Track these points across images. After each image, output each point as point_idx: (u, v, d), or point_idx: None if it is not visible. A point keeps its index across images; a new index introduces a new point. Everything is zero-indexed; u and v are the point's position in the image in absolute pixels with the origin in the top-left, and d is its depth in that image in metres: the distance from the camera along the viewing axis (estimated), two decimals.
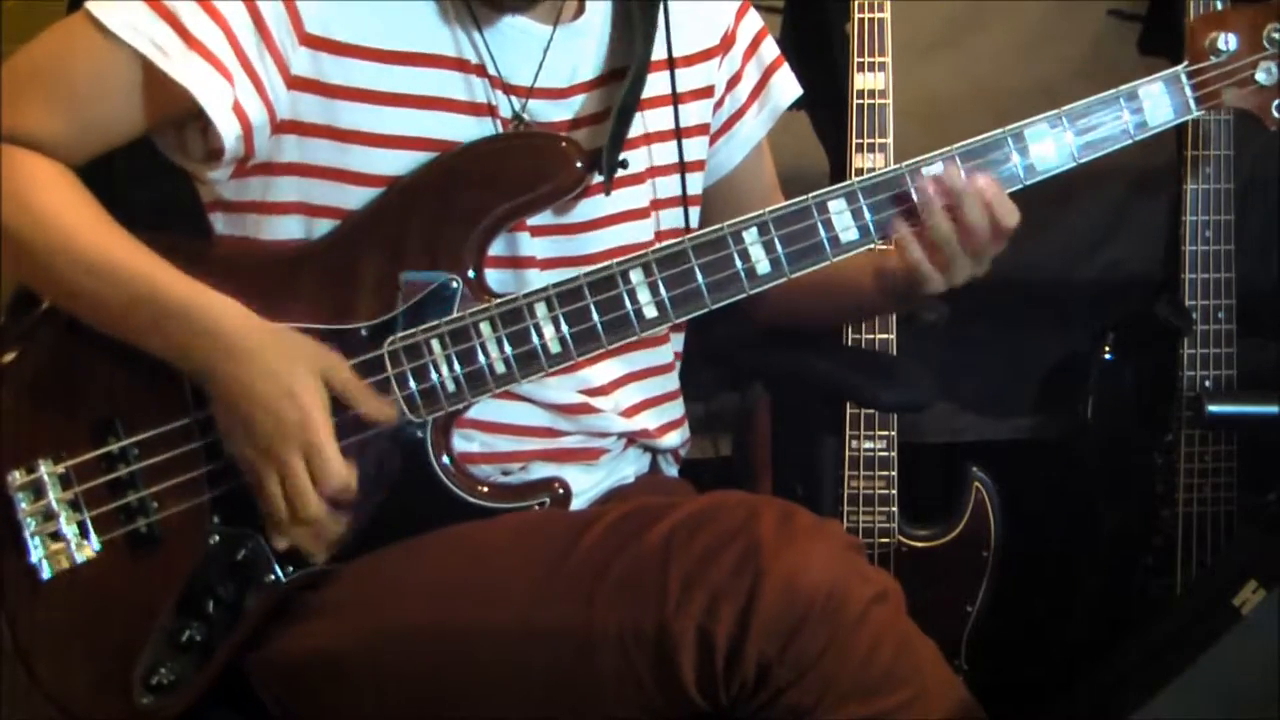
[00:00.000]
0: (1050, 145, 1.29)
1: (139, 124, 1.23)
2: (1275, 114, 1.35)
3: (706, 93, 1.43)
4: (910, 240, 1.27)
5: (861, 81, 1.84)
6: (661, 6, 1.33)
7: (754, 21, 1.47)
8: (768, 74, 1.47)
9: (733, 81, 1.46)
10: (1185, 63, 1.33)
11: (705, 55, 1.42)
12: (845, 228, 1.27)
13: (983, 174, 1.26)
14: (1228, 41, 1.33)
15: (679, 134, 1.38)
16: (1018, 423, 2.24)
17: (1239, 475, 1.97)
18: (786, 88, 1.49)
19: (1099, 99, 1.30)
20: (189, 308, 1.18)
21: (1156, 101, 1.32)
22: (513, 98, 1.28)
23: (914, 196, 1.26)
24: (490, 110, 1.27)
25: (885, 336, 1.85)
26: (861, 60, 1.84)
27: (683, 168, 1.39)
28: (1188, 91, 1.33)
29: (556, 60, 1.30)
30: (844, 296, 1.48)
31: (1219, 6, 1.84)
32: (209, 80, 1.18)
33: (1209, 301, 1.94)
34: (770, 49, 1.48)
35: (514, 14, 1.27)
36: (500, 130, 1.28)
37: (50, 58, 1.22)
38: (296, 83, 1.22)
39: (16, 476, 1.23)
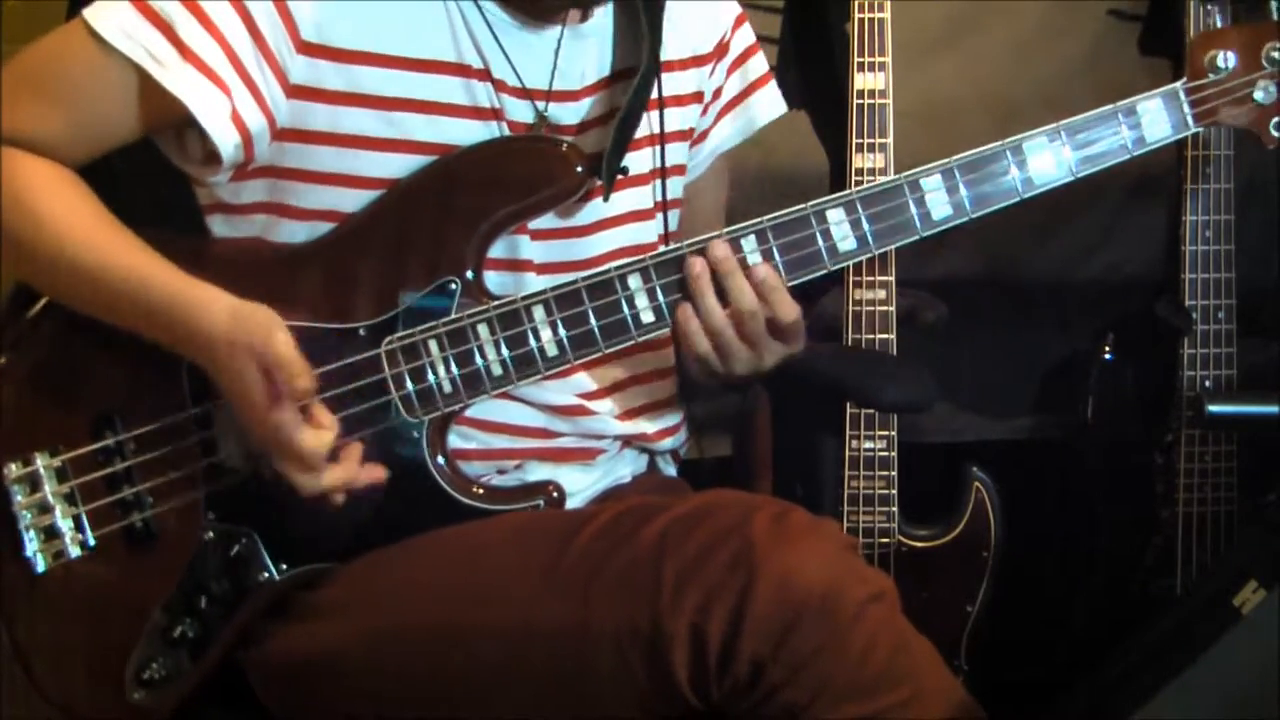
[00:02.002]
0: (1049, 159, 1.30)
1: (135, 129, 1.23)
2: (1273, 132, 1.36)
3: (696, 98, 1.43)
4: (687, 320, 1.24)
5: (861, 81, 1.84)
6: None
7: (747, 35, 1.47)
8: (750, 89, 1.48)
9: (717, 91, 1.46)
10: (1184, 79, 1.34)
11: (698, 61, 1.42)
12: (843, 237, 1.27)
13: (765, 265, 1.24)
14: (1226, 59, 1.34)
15: (663, 139, 1.37)
16: (1018, 423, 2.24)
17: (1239, 475, 1.97)
18: (767, 105, 1.49)
19: (1097, 114, 1.31)
20: (174, 303, 1.18)
21: (1155, 117, 1.32)
22: (534, 102, 1.28)
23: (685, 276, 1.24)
24: (495, 114, 1.28)
25: (885, 336, 1.85)
26: (861, 60, 1.84)
27: (663, 173, 1.39)
28: (1185, 108, 1.33)
29: (567, 63, 1.30)
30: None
31: (1218, 9, 1.84)
32: (204, 92, 1.18)
33: (1209, 301, 1.94)
34: (758, 65, 1.48)
35: (546, 22, 1.27)
36: (507, 134, 1.28)
37: (48, 61, 1.23)
38: (296, 91, 1.22)
39: (13, 469, 1.24)
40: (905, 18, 1.88)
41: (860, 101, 1.84)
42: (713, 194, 1.53)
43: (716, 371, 1.27)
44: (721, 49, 1.44)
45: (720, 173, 1.53)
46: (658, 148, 1.38)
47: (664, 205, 1.40)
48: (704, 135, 1.48)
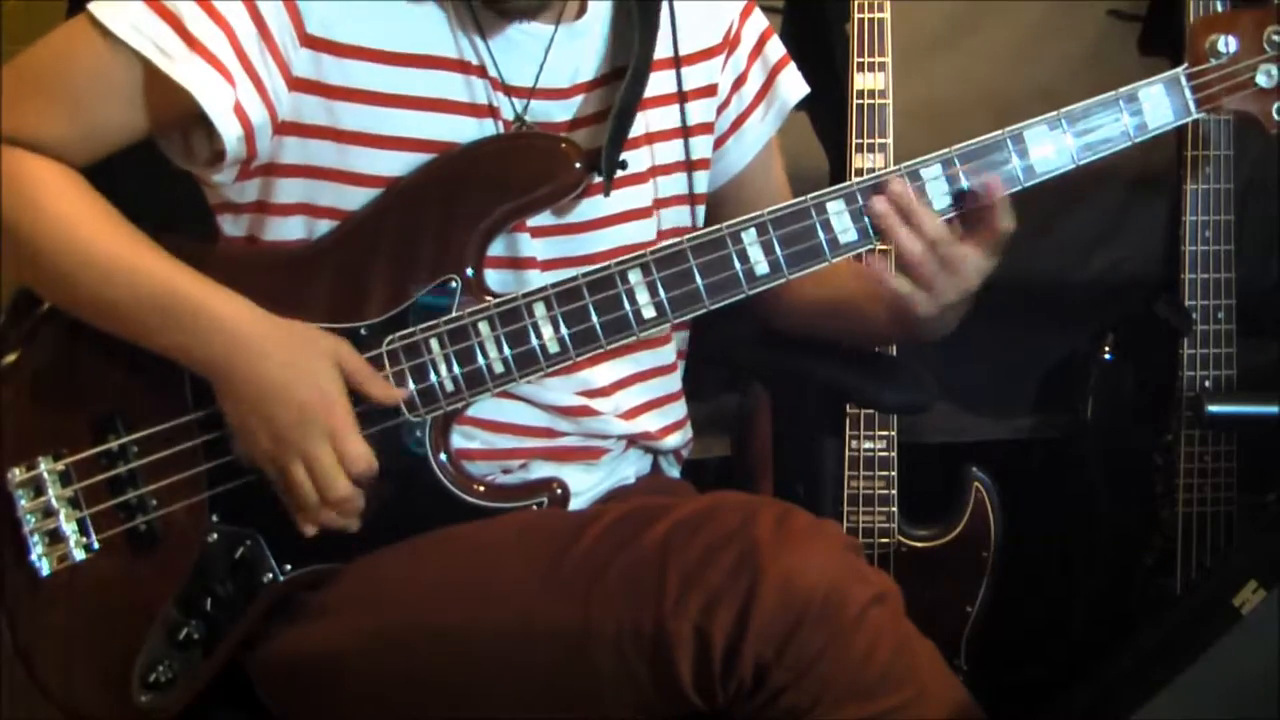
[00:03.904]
0: (1050, 147, 1.29)
1: (141, 126, 1.23)
2: (1275, 117, 1.35)
3: (709, 91, 1.43)
4: (881, 268, 1.26)
5: (861, 81, 1.84)
6: (665, 5, 1.33)
7: (759, 22, 1.47)
8: (774, 74, 1.47)
9: (738, 82, 1.45)
10: (1185, 64, 1.33)
11: (707, 54, 1.42)
12: (844, 229, 1.27)
13: (986, 173, 1.25)
14: (1228, 44, 1.32)
15: (685, 132, 1.37)
16: (1018, 423, 2.23)
17: (1239, 475, 1.97)
18: (793, 86, 1.48)
19: (1098, 101, 1.30)
20: (197, 305, 1.19)
21: (1156, 103, 1.31)
22: (514, 99, 1.28)
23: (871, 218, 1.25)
24: (491, 111, 1.27)
25: None
26: (861, 60, 1.84)
27: (689, 165, 1.39)
28: (1187, 94, 1.32)
29: (558, 60, 1.30)
30: (860, 322, 1.47)
31: (1219, 8, 1.85)
32: (210, 82, 1.18)
33: (1209, 301, 1.95)
34: (776, 48, 1.48)
35: (520, 21, 1.27)
36: (502, 131, 1.28)
37: (52, 59, 1.22)
38: (298, 84, 1.22)
39: (16, 473, 1.24)
40: (905, 18, 1.89)
41: (860, 101, 1.85)
42: (769, 177, 1.52)
43: (922, 314, 1.27)
44: (732, 40, 1.43)
45: (771, 152, 1.52)
46: (671, 143, 1.38)
47: (691, 199, 1.39)
48: (739, 124, 1.47)
